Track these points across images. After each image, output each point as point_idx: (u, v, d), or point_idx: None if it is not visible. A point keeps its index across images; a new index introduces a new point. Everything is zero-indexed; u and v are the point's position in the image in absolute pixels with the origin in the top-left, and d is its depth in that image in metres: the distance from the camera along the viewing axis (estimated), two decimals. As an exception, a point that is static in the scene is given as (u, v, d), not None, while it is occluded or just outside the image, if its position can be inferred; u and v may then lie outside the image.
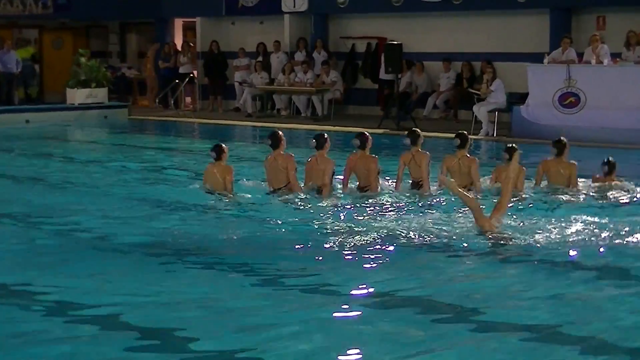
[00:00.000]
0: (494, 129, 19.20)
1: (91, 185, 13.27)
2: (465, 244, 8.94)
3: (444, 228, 9.56)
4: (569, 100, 18.10)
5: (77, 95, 24.01)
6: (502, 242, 9.02)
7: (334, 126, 21.24)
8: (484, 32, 22.14)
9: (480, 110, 19.47)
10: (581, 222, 9.69)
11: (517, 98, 19.37)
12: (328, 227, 9.73)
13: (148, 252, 8.87)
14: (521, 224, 9.67)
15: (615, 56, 18.34)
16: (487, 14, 21.91)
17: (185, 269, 8.30)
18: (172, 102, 26.37)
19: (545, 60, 18.71)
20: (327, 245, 8.96)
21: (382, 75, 23.18)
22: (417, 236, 9.26)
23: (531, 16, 21.27)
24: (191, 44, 27.19)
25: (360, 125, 20.99)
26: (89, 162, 16.21)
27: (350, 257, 8.56)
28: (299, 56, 24.58)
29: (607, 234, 9.25)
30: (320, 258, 8.61)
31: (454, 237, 9.20)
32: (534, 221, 9.80)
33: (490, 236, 9.12)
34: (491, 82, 19.65)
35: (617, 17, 20.22)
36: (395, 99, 21.40)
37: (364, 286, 7.55)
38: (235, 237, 9.55)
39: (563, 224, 9.58)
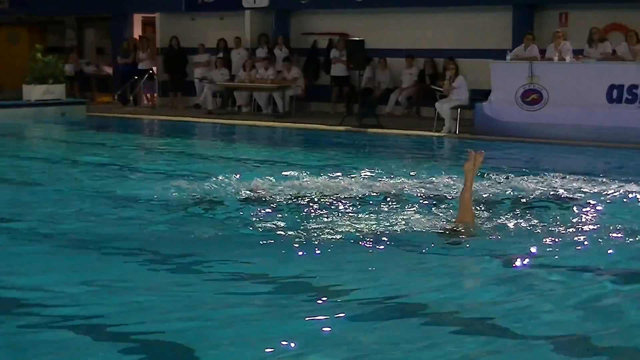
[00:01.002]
0: (457, 126, 19.15)
1: (47, 182, 13.06)
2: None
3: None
4: (532, 97, 18.10)
5: (33, 92, 23.67)
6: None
7: (295, 123, 21.17)
8: (446, 28, 22.13)
9: (442, 107, 19.43)
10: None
11: (480, 95, 19.34)
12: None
13: (103, 247, 8.69)
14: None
15: (577, 53, 18.37)
16: (450, 10, 21.90)
17: (140, 264, 8.15)
18: (131, 98, 26.19)
19: (508, 57, 18.72)
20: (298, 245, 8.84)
21: (334, 72, 23.20)
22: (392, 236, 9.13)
23: (494, 13, 21.28)
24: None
25: (322, 122, 20.99)
26: (45, 159, 15.97)
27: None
28: (260, 52, 24.44)
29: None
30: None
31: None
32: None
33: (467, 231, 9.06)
34: (454, 78, 19.62)
35: (579, 14, 20.29)
36: (358, 96, 21.31)
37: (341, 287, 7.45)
38: (201, 235, 9.34)
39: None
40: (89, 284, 7.39)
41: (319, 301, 7.01)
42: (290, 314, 6.68)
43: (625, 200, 11.09)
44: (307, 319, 6.60)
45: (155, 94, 26.47)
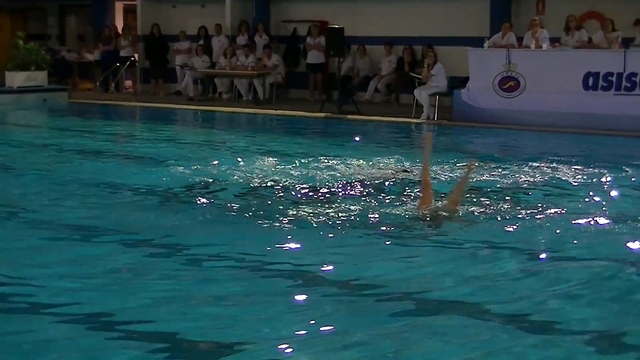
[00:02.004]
0: (435, 113, 19.16)
1: (31, 167, 13.00)
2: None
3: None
4: (509, 84, 18.13)
5: (15, 78, 23.55)
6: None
7: (275, 110, 21.14)
8: (425, 16, 22.12)
9: (421, 94, 19.43)
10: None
11: (458, 82, 19.36)
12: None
13: (87, 233, 8.67)
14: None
15: (554, 41, 18.40)
16: (429, -2, 21.92)
17: (125, 249, 8.13)
18: (113, 85, 26.10)
19: (486, 45, 18.73)
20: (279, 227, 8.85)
21: (310, 59, 23.19)
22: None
23: (472, 1, 21.28)
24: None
25: (302, 108, 20.97)
26: (27, 144, 15.89)
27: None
28: (241, 40, 24.36)
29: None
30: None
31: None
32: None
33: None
34: (432, 66, 19.62)
35: (556, 2, 20.31)
36: (337, 83, 21.29)
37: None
38: (181, 222, 9.31)
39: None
40: (82, 275, 7.36)
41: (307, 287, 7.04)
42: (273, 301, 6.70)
43: (599, 186, 11.16)
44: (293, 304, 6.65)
45: (137, 81, 26.36)
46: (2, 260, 7.74)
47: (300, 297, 6.78)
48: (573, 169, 12.29)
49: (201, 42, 24.94)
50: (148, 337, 5.89)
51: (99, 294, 6.83)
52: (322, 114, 20.05)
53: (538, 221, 9.07)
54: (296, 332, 5.99)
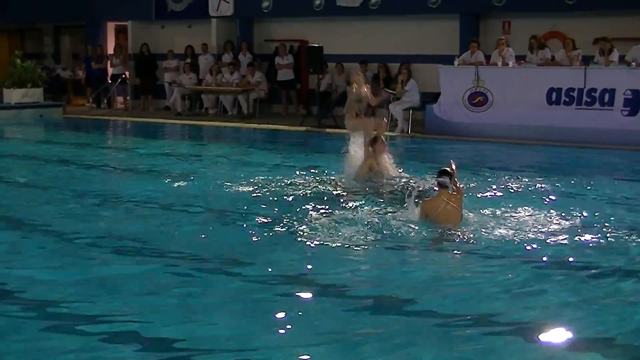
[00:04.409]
0: (409, 126, 19.27)
1: (30, 179, 13.00)
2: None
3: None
4: (478, 99, 18.26)
5: (13, 95, 23.53)
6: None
7: (259, 124, 21.19)
8: (398, 35, 22.21)
9: (395, 109, 19.54)
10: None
11: (430, 97, 19.47)
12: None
13: (84, 244, 8.67)
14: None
15: (519, 58, 18.54)
16: (402, 18, 21.97)
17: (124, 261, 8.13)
18: (105, 101, 26.10)
19: (456, 62, 18.87)
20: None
21: (280, 77, 23.30)
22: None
23: (442, 21, 21.39)
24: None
25: (284, 122, 21.03)
26: (25, 157, 15.88)
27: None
28: (226, 58, 24.41)
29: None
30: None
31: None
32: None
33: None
34: (406, 82, 19.73)
35: (521, 22, 20.45)
36: (317, 98, 21.36)
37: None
38: (178, 231, 9.29)
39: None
40: (80, 282, 7.35)
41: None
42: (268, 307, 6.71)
43: (562, 195, 11.28)
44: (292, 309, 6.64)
45: (128, 97, 26.34)
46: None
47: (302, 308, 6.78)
48: (534, 178, 12.41)
49: (188, 60, 24.96)
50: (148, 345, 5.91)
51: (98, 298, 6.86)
52: (303, 128, 20.13)
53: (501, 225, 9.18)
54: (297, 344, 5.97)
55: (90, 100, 26.58)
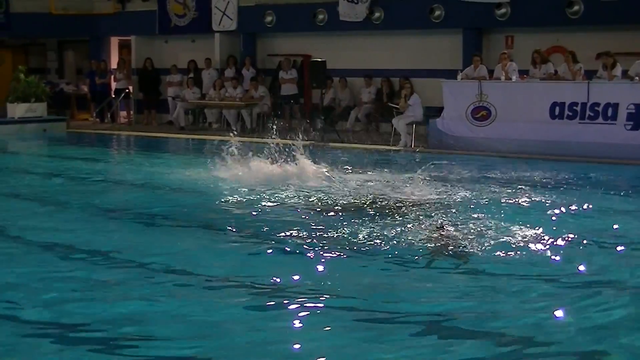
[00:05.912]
0: (412, 140, 19.24)
1: (33, 193, 12.97)
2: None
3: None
4: (481, 113, 18.23)
5: (17, 110, 23.54)
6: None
7: (262, 138, 21.14)
8: (402, 50, 22.23)
9: (399, 123, 19.52)
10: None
11: (434, 112, 19.45)
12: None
13: (88, 259, 8.63)
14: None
15: (522, 73, 18.53)
16: (405, 33, 22.00)
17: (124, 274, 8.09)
18: (109, 116, 26.12)
19: (459, 77, 18.85)
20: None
21: (284, 91, 23.26)
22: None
23: (445, 36, 21.40)
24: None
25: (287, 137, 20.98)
26: (29, 172, 15.85)
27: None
28: (229, 73, 24.43)
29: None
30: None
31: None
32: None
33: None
34: (409, 96, 19.71)
35: (524, 37, 20.46)
36: (320, 113, 21.35)
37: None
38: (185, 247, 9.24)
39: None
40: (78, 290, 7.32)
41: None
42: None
43: (563, 207, 11.23)
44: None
45: (131, 112, 26.35)
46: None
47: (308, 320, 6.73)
48: (538, 192, 12.36)
49: (192, 75, 24.99)
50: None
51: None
52: (307, 142, 20.06)
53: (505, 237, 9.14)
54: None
55: (94, 115, 26.61)
